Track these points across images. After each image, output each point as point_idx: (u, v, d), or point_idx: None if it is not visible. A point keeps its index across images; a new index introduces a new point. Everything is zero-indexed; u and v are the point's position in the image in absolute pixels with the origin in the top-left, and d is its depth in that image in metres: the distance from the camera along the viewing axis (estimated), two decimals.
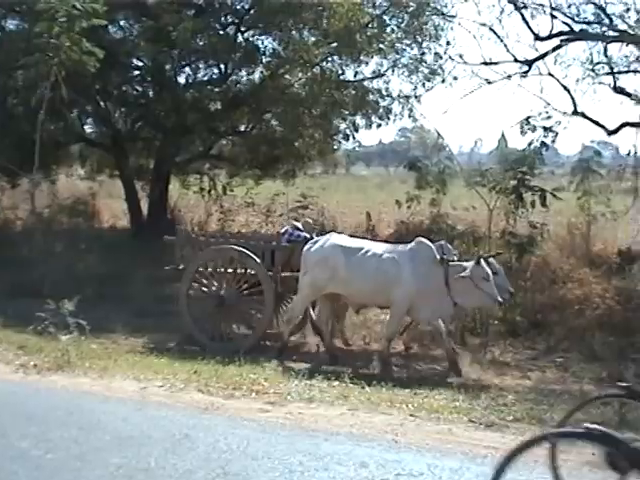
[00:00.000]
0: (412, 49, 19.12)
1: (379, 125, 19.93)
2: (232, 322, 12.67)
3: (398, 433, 8.37)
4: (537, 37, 14.34)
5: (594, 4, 13.92)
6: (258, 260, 12.24)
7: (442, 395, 9.89)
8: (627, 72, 14.00)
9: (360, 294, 11.64)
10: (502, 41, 14.49)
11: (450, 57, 16.47)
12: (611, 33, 13.87)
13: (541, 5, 14.13)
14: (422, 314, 11.31)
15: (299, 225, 13.31)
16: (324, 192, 21.79)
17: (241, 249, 12.32)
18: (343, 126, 20.62)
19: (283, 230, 13.33)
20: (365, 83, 20.11)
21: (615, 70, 14.01)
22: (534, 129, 13.89)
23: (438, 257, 11.16)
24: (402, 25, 18.95)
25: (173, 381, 9.95)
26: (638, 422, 8.83)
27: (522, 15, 14.31)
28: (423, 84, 19.14)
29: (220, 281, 12.45)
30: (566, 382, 10.73)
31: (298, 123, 19.31)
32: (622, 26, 13.78)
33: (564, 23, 14.20)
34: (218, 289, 12.43)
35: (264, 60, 19.24)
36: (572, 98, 14.09)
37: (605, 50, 14.06)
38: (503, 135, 18.81)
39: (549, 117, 13.87)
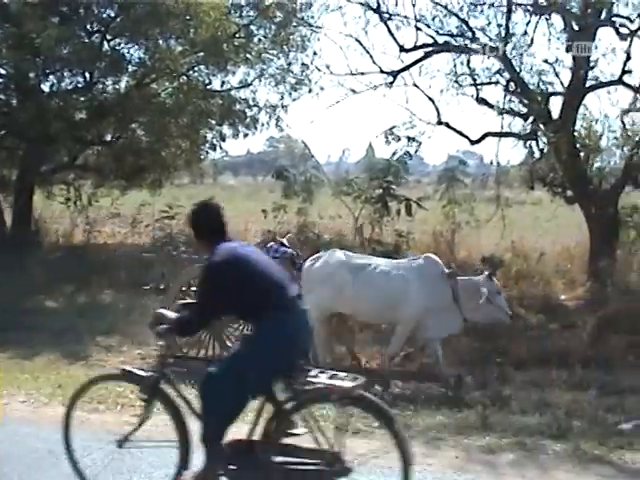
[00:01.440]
0: (279, 59, 19.22)
1: (246, 135, 19.93)
2: (223, 342, 11.70)
3: None
4: (402, 49, 14.54)
5: (457, 17, 14.22)
6: None
7: None
8: (489, 84, 14.34)
9: (368, 312, 11.06)
10: (368, 52, 14.66)
11: (317, 67, 16.61)
12: (474, 46, 14.20)
13: (406, 17, 14.37)
14: (430, 332, 10.73)
15: (284, 241, 12.61)
16: (191, 202, 21.48)
17: None
18: (210, 136, 20.51)
19: (268, 246, 12.55)
20: (232, 93, 20.11)
21: (478, 82, 14.34)
22: (398, 139, 14.10)
23: (446, 272, 10.94)
24: (269, 35, 19.02)
25: (37, 396, 9.69)
26: (499, 425, 9.10)
27: (387, 27, 14.52)
28: (290, 94, 19.26)
29: None
30: (431, 387, 10.85)
31: (164, 133, 19.10)
32: (484, 39, 14.16)
33: (428, 35, 14.50)
34: None
35: (130, 69, 18.95)
36: (436, 108, 14.38)
37: (468, 62, 14.39)
38: (370, 145, 19.09)
39: (413, 127, 14.14)
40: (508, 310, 10.78)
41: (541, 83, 14.00)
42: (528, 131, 14.11)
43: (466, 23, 14.21)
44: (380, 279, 10.80)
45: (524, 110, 14.13)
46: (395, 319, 10.90)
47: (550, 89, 14.08)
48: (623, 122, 14.38)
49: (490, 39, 14.13)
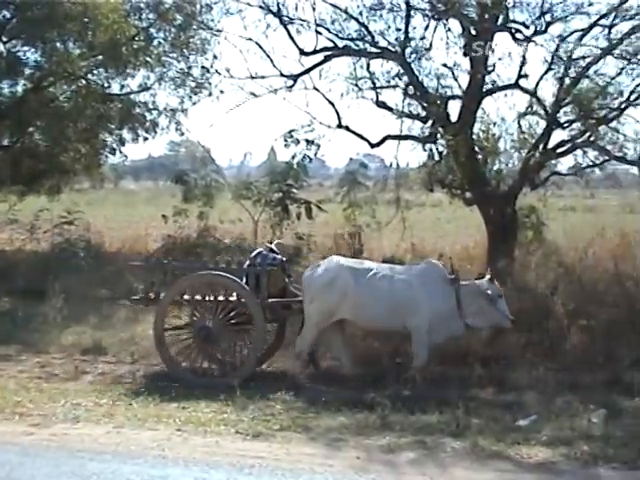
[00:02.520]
0: (179, 62, 19.14)
1: (146, 139, 19.77)
2: (219, 354, 11.47)
3: (165, 448, 8.34)
4: (302, 52, 14.52)
5: (357, 21, 14.25)
6: (246, 287, 11.31)
7: (210, 408, 9.88)
8: (388, 87, 14.41)
9: (371, 319, 11.00)
10: (268, 56, 14.57)
11: (217, 71, 16.40)
12: (373, 49, 14.26)
13: (306, 21, 14.35)
14: (433, 337, 10.83)
15: (273, 247, 12.37)
16: (91, 207, 21.31)
17: (228, 275, 11.38)
18: (109, 140, 20.24)
19: (255, 253, 12.27)
20: (131, 96, 19.93)
21: (377, 85, 14.38)
22: (297, 142, 14.07)
23: (450, 277, 10.95)
24: (169, 38, 18.87)
25: None
26: (399, 424, 9.16)
27: (288, 31, 14.48)
28: (190, 97, 19.16)
29: (204, 310, 11.43)
30: (335, 390, 10.83)
31: (63, 137, 18.86)
32: (383, 43, 14.23)
33: (328, 39, 14.47)
34: (202, 319, 11.37)
35: (27, 72, 18.62)
36: (337, 112, 14.37)
37: (368, 66, 14.42)
38: (272, 148, 19.00)
39: (312, 130, 14.11)
40: (509, 314, 10.82)
41: (440, 87, 14.15)
42: (427, 134, 14.24)
43: (366, 27, 14.26)
44: (383, 284, 10.83)
45: (423, 113, 14.24)
46: (400, 326, 10.89)
47: (449, 92, 14.24)
48: (520, 125, 14.62)
49: (389, 43, 14.22)
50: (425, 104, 14.04)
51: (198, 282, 11.45)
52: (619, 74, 14.12)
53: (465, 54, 13.98)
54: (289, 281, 11.74)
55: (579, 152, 14.45)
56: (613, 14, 13.69)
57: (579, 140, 14.10)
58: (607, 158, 14.50)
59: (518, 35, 14.04)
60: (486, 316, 10.82)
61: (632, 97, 14.01)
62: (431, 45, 14.15)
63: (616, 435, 8.77)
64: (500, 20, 13.88)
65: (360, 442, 8.71)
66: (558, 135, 14.34)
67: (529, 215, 15.02)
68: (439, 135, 14.00)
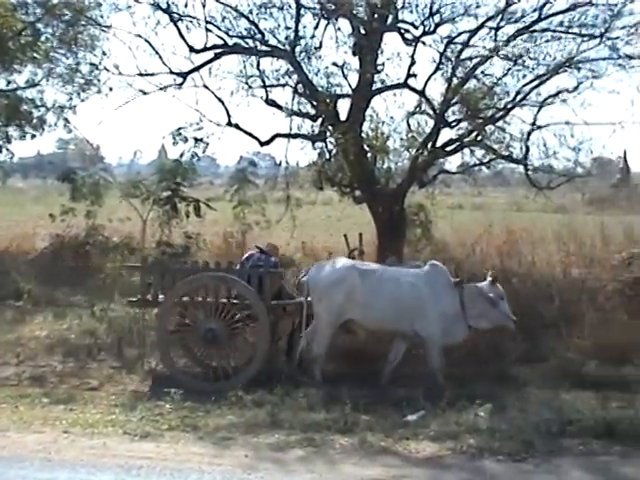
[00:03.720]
0: (67, 59, 18.62)
1: (33, 136, 19.22)
2: (223, 357, 11.18)
3: (51, 451, 8.27)
4: (192, 49, 14.39)
5: (247, 19, 14.19)
6: (251, 288, 11.21)
7: (97, 409, 9.82)
8: (278, 85, 14.39)
9: (377, 320, 11.01)
10: (157, 53, 14.36)
11: (105, 68, 16.07)
12: (263, 48, 14.22)
13: (196, 18, 14.21)
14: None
15: (263, 248, 12.26)
16: None
17: (233, 277, 11.30)
18: None
19: (247, 255, 12.20)
20: (18, 92, 19.33)
21: (267, 83, 14.34)
22: (186, 140, 13.95)
23: (454, 280, 11.05)
24: (57, 34, 18.42)
25: None
26: (288, 422, 9.17)
27: (177, 28, 14.31)
28: (78, 94, 18.68)
29: (208, 312, 11.20)
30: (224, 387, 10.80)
31: None
32: (273, 41, 14.19)
33: (218, 37, 14.36)
34: (207, 321, 11.16)
35: None
36: (226, 110, 14.27)
37: (258, 64, 14.37)
38: (163, 146, 18.73)
39: (200, 128, 14.00)
40: (511, 315, 10.93)
41: (329, 85, 14.14)
42: (317, 132, 14.26)
43: (256, 25, 14.21)
44: (389, 284, 10.89)
45: (313, 112, 14.24)
46: (408, 328, 10.92)
47: (338, 91, 14.24)
48: (409, 124, 14.79)
49: (279, 41, 14.19)
50: (315, 102, 14.06)
51: (202, 283, 11.34)
52: (505, 75, 14.38)
53: (354, 53, 14.07)
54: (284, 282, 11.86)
55: (467, 151, 14.69)
56: (500, 17, 13.97)
57: (467, 139, 14.32)
58: (494, 157, 14.78)
59: (407, 35, 14.24)
60: (489, 317, 10.99)
61: (518, 97, 14.28)
62: (321, 44, 14.19)
63: (501, 428, 8.97)
64: (389, 20, 14.03)
65: (249, 440, 8.74)
66: (446, 134, 14.56)
67: (418, 213, 15.23)
68: (329, 133, 14.05)
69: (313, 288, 11.03)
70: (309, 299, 11.08)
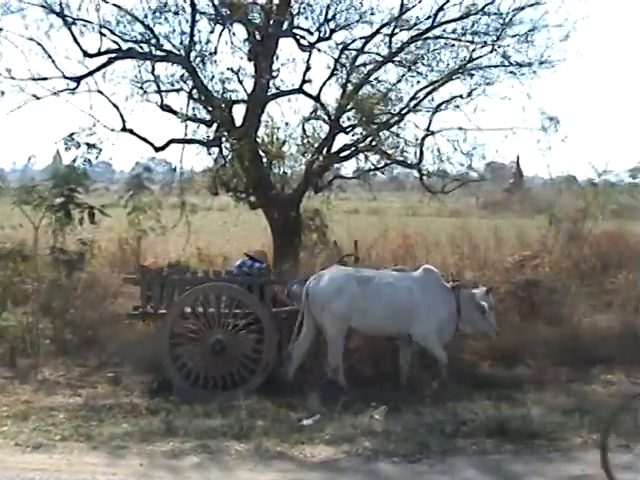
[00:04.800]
0: None
1: None
2: (229, 367, 10.97)
3: None
4: (86, 54, 14.15)
5: (142, 24, 14.05)
6: (256, 297, 11.26)
7: None
8: (173, 91, 14.29)
9: (375, 325, 11.15)
10: (50, 57, 14.08)
11: None
12: (158, 52, 14.12)
13: (90, 22, 13.99)
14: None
15: (252, 254, 12.20)
16: None
17: (237, 287, 11.29)
18: None
19: (239, 263, 12.12)
20: None
21: (162, 88, 14.23)
22: (78, 145, 13.73)
23: (452, 285, 11.36)
24: None
25: None
26: (183, 429, 9.15)
27: (71, 31, 14.05)
28: None
29: (213, 322, 11.06)
30: (117, 396, 10.75)
31: None
32: (168, 46, 14.10)
33: (113, 41, 14.16)
34: (213, 332, 11.03)
35: None
36: (121, 115, 14.10)
37: (153, 69, 14.24)
38: (58, 152, 18.39)
39: (93, 134, 13.79)
40: (496, 326, 11.39)
41: (225, 91, 14.09)
42: (212, 138, 14.20)
43: (151, 30, 14.08)
44: (387, 290, 11.06)
45: (208, 117, 14.19)
46: (404, 331, 11.14)
47: (234, 97, 14.20)
48: (304, 129, 14.86)
49: (174, 46, 14.10)
50: (210, 108, 14.01)
51: (206, 294, 11.30)
52: (399, 81, 14.62)
53: (250, 59, 14.08)
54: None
55: (362, 156, 14.84)
56: (394, 23, 14.17)
57: (361, 144, 14.47)
58: (388, 162, 14.97)
59: (303, 41, 14.34)
60: (475, 324, 11.32)
61: (412, 103, 14.51)
62: (216, 49, 14.15)
63: (397, 430, 9.13)
64: (285, 26, 14.09)
65: (144, 449, 8.68)
66: (341, 139, 14.69)
67: (313, 218, 15.28)
68: (224, 139, 14.01)
69: (314, 299, 11.12)
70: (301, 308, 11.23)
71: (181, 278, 11.83)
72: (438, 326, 11.13)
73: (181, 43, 14.06)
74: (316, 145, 14.48)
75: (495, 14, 14.17)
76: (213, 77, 14.12)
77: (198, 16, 13.98)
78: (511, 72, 14.56)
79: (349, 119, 14.60)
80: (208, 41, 14.12)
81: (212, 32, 14.13)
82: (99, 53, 14.19)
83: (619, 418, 7.93)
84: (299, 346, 11.08)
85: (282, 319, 11.53)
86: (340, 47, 14.39)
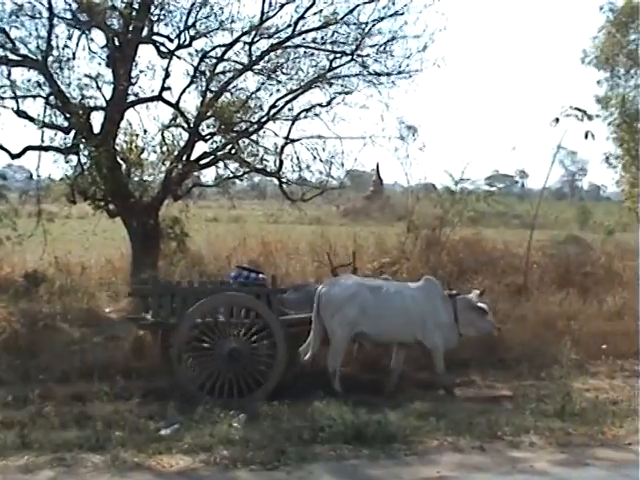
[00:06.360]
0: None
1: None
2: (244, 375, 10.97)
3: None
4: None
5: None
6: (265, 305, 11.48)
7: None
8: (29, 96, 13.96)
9: (386, 332, 11.64)
10: None
11: None
12: (14, 57, 13.78)
13: None
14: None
15: (245, 265, 12.18)
16: None
17: (249, 296, 11.55)
18: None
19: (235, 274, 12.07)
20: None
21: (18, 94, 13.88)
22: None
23: (449, 293, 11.94)
24: None
25: None
26: (39, 442, 8.96)
27: None
28: None
29: (227, 332, 11.17)
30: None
31: None
32: (24, 50, 13.79)
33: None
34: (229, 341, 11.13)
35: None
36: None
37: (9, 73, 13.89)
38: None
39: None
40: (495, 324, 12.16)
41: (83, 97, 13.90)
42: (70, 145, 13.97)
43: (6, 33, 13.73)
44: (396, 298, 11.62)
45: (66, 124, 13.95)
46: (411, 338, 11.72)
47: (92, 103, 14.01)
48: (163, 137, 14.82)
49: (31, 51, 13.80)
50: (68, 114, 13.77)
51: (224, 303, 11.45)
52: (259, 89, 14.77)
53: (109, 65, 13.92)
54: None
55: (221, 164, 14.91)
56: (254, 32, 14.24)
57: (221, 152, 14.54)
58: (248, 170, 15.07)
59: (162, 48, 14.24)
60: (477, 326, 11.96)
61: (271, 112, 14.66)
62: (74, 54, 13.90)
63: (255, 438, 9.13)
64: (144, 32, 13.97)
65: None
66: (201, 147, 14.74)
67: (173, 226, 15.20)
68: (82, 146, 13.81)
69: (326, 304, 11.51)
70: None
71: (191, 288, 11.88)
72: (441, 333, 11.77)
73: (38, 48, 13.78)
74: (175, 153, 14.47)
75: (355, 24, 14.46)
76: (70, 83, 13.91)
77: (56, 20, 13.72)
78: (370, 81, 14.89)
79: (209, 127, 14.68)
80: (66, 46, 13.86)
81: (70, 37, 13.90)
82: None
83: None
84: (307, 351, 11.53)
85: (291, 327, 11.83)
86: (200, 55, 14.43)
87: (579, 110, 13.93)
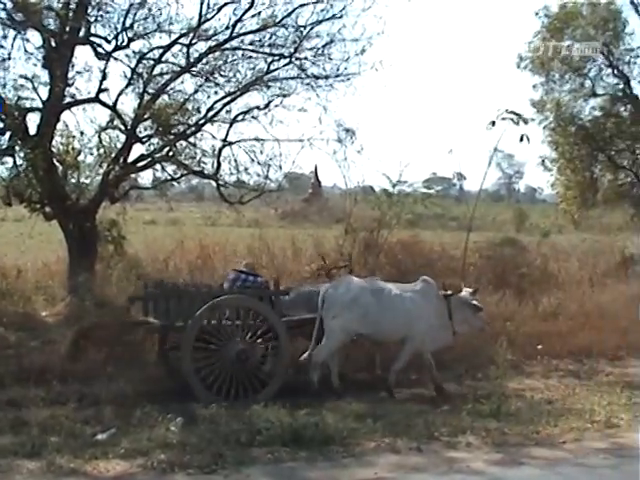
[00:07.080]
0: None
1: None
2: (249, 376, 11.10)
3: None
4: None
5: None
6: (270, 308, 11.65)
7: None
8: None
9: (386, 333, 11.90)
10: None
11: None
12: None
13: None
14: (429, 345, 11.98)
15: (242, 269, 12.04)
16: None
17: (254, 299, 11.66)
18: None
19: (233, 277, 11.92)
20: None
21: None
22: None
23: (444, 294, 12.10)
24: None
25: None
26: None
27: None
28: None
29: (233, 334, 11.26)
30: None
31: None
32: None
33: None
34: (237, 343, 11.22)
35: None
36: None
37: None
38: None
39: None
40: (487, 322, 12.59)
41: (18, 98, 13.77)
42: (5, 147, 13.81)
43: None
44: (397, 301, 11.85)
45: (1, 125, 13.79)
46: (404, 337, 11.91)
47: (28, 105, 13.90)
48: (100, 139, 14.73)
49: None
50: (3, 116, 13.61)
51: (231, 305, 11.51)
52: (196, 92, 14.78)
53: (45, 66, 13.80)
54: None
55: (159, 166, 14.85)
56: (192, 34, 14.23)
57: (158, 155, 14.48)
58: (185, 172, 15.05)
59: (99, 49, 14.16)
60: (470, 323, 12.17)
61: (209, 114, 14.65)
62: (10, 55, 13.78)
63: (192, 442, 9.10)
64: (81, 33, 13.87)
65: None
66: (138, 149, 14.68)
67: (110, 229, 15.09)
68: (17, 148, 13.67)
69: (330, 306, 11.71)
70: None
71: (198, 291, 11.91)
72: (431, 332, 11.94)
73: None
74: (112, 155, 14.40)
75: (293, 27, 14.56)
76: (6, 84, 13.78)
77: None
78: (308, 84, 14.95)
79: (146, 129, 14.63)
80: (1, 46, 13.71)
81: (5, 37, 13.77)
82: None
83: None
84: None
85: (295, 329, 11.96)
86: (138, 56, 14.38)
87: (515, 114, 14.07)
